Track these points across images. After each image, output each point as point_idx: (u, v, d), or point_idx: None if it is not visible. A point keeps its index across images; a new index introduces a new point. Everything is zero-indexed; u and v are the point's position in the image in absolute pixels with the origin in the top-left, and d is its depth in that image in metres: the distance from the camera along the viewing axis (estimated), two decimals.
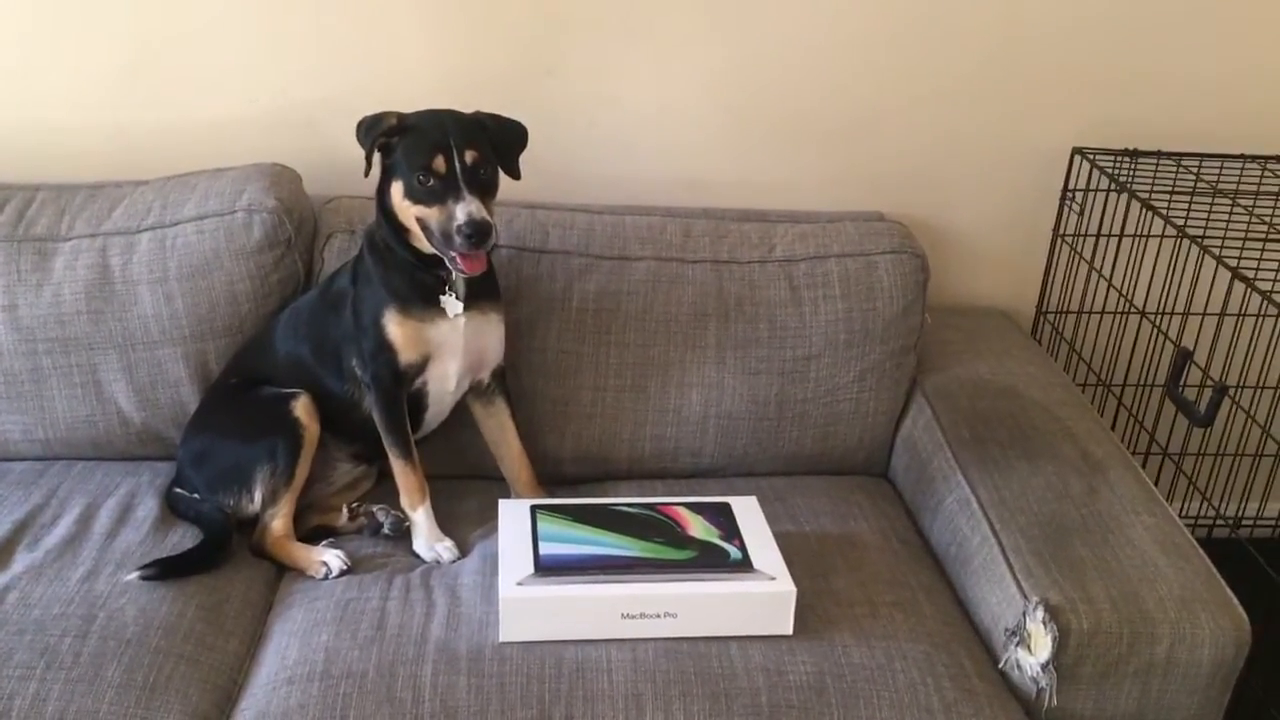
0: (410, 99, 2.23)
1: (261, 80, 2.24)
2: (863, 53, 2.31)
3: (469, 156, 1.74)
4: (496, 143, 1.81)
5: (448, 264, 1.80)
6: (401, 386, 1.87)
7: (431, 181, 1.74)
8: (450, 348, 1.88)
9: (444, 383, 1.91)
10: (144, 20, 2.18)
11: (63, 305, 2.01)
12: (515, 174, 1.85)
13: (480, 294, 1.89)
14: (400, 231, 1.82)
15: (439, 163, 1.74)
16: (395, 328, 1.84)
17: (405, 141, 1.77)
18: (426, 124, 1.78)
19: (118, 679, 1.59)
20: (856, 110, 2.35)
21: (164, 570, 1.76)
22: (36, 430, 2.06)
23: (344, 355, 1.91)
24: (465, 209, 1.72)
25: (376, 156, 1.80)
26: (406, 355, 1.85)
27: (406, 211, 1.79)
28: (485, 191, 1.77)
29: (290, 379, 1.94)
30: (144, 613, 1.69)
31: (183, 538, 1.87)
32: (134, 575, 1.75)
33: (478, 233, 1.72)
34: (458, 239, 1.73)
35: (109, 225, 2.06)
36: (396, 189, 1.79)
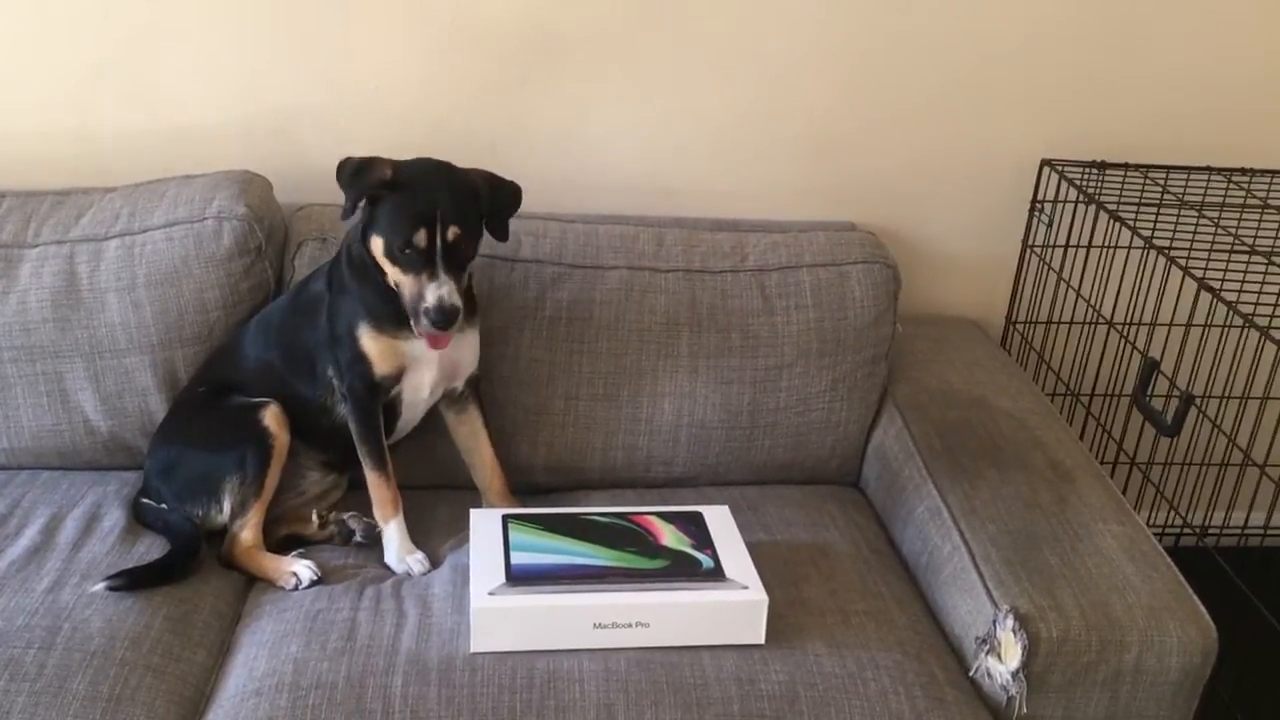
0: (380, 107, 2.25)
1: (232, 86, 2.22)
2: (834, 65, 2.32)
3: (451, 233, 1.71)
4: (488, 208, 1.78)
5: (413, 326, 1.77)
6: (376, 398, 1.86)
7: (410, 251, 1.72)
8: (425, 360, 1.87)
9: (418, 392, 1.90)
10: (112, 25, 2.16)
11: (29, 313, 1.99)
12: (503, 237, 1.83)
13: None
14: (380, 269, 1.80)
15: (420, 237, 1.71)
16: (370, 342, 1.83)
17: (392, 201, 1.73)
18: (418, 187, 1.73)
19: (83, 691, 1.57)
20: (828, 122, 2.36)
21: (131, 581, 1.74)
22: (1, 440, 2.04)
23: (318, 361, 1.90)
24: (436, 292, 1.71)
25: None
26: (381, 368, 1.85)
27: (384, 266, 1.78)
28: (462, 266, 1.75)
29: (260, 386, 1.92)
30: (110, 624, 1.67)
31: (149, 548, 1.85)
32: (101, 586, 1.73)
33: (444, 318, 1.71)
34: (423, 320, 1.72)
35: (76, 232, 2.04)
36: (377, 243, 1.76)
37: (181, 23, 2.17)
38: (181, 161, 2.18)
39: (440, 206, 1.71)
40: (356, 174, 1.76)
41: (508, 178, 1.85)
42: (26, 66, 2.18)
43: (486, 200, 1.78)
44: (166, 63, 2.20)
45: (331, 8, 2.18)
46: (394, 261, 1.75)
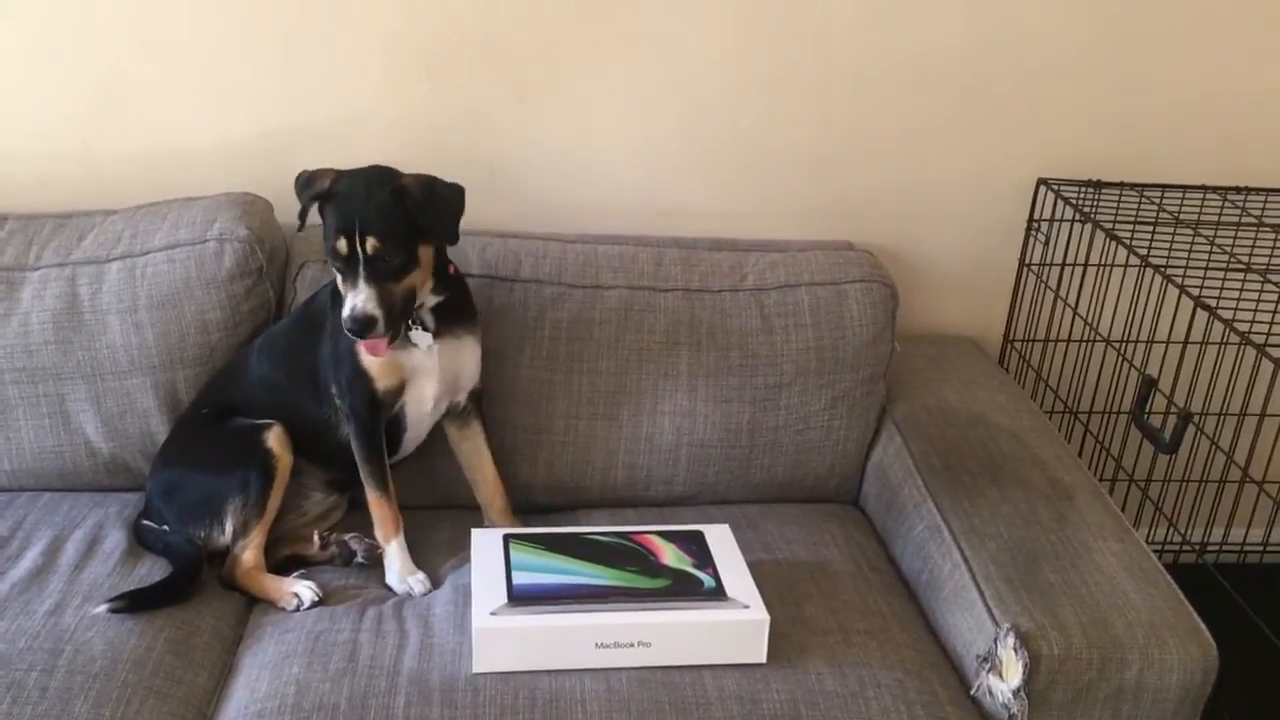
0: (379, 129, 2.26)
1: (233, 109, 2.24)
2: (832, 85, 2.33)
3: (370, 244, 1.70)
4: (420, 214, 1.75)
5: None
6: (379, 415, 1.87)
7: (337, 260, 1.74)
8: (425, 372, 1.88)
9: (421, 405, 1.91)
10: (114, 49, 2.18)
11: (30, 335, 2.00)
12: (449, 240, 1.81)
13: (452, 319, 1.89)
14: None
15: (341, 246, 1.71)
16: (369, 355, 1.84)
17: (326, 209, 1.75)
18: (343, 195, 1.74)
19: (85, 713, 1.57)
20: (826, 142, 2.38)
21: (133, 603, 1.74)
22: (2, 461, 2.04)
23: (322, 378, 1.90)
24: (353, 300, 1.71)
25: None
26: (383, 382, 1.85)
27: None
28: (391, 275, 1.73)
29: (264, 405, 1.93)
30: (112, 646, 1.67)
31: (151, 570, 1.85)
32: (103, 608, 1.73)
33: (356, 326, 1.71)
34: (343, 325, 1.72)
35: (78, 254, 2.04)
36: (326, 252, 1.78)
37: (182, 46, 2.19)
38: (183, 184, 2.19)
39: (359, 215, 1.71)
40: (304, 186, 1.79)
41: (450, 180, 1.81)
42: (29, 90, 2.19)
43: (418, 204, 1.74)
44: (168, 86, 2.21)
45: (332, 30, 2.20)
46: (334, 268, 1.77)
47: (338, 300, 1.86)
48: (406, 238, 1.74)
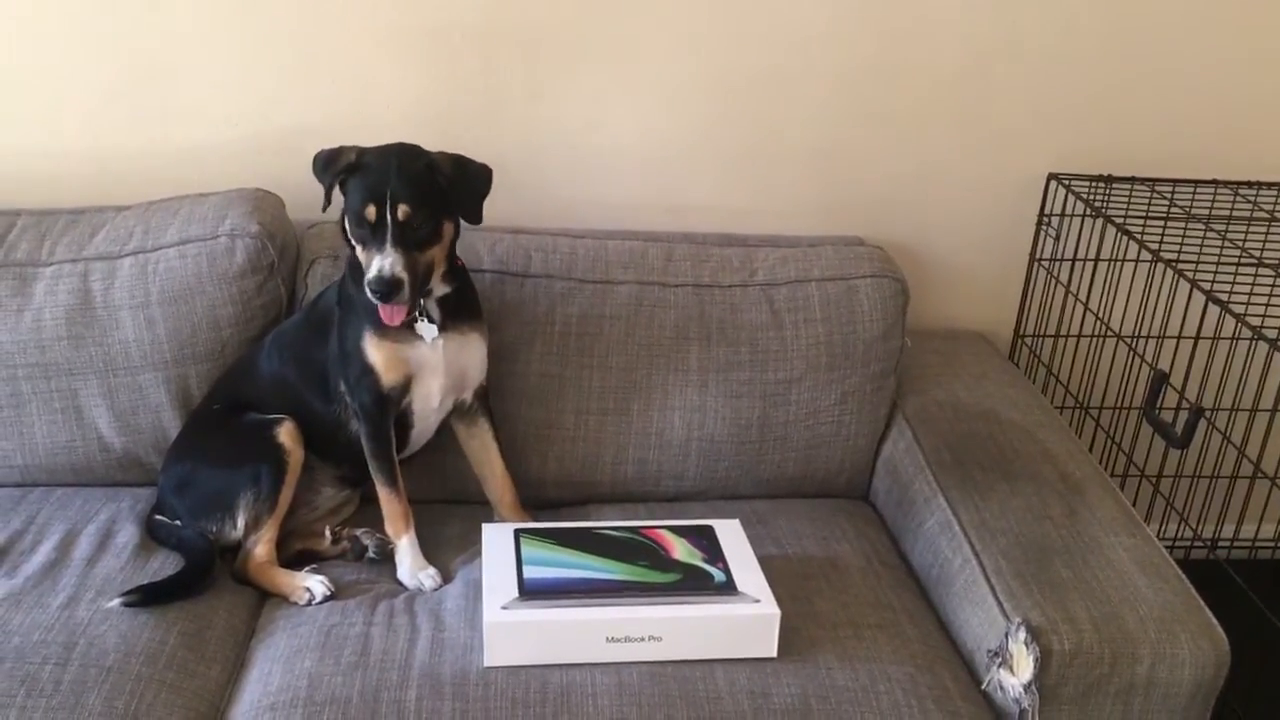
0: (390, 123, 2.25)
1: (244, 105, 2.24)
2: (843, 79, 2.33)
3: (401, 211, 1.73)
4: (450, 189, 1.78)
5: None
6: (386, 411, 1.87)
7: (363, 228, 1.75)
8: (430, 368, 1.88)
9: (428, 401, 1.91)
10: (125, 45, 2.18)
11: (43, 330, 2.00)
12: (474, 219, 1.84)
13: (458, 315, 1.90)
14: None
15: (370, 212, 1.73)
16: (374, 351, 1.84)
17: (353, 181, 1.77)
18: (373, 166, 1.76)
19: (99, 707, 1.58)
20: (836, 136, 2.38)
21: (146, 597, 1.75)
22: (15, 456, 2.05)
23: (331, 376, 1.91)
24: (379, 263, 1.72)
25: (336, 191, 1.80)
26: (389, 378, 1.85)
27: (354, 245, 1.81)
28: (417, 245, 1.75)
29: (275, 402, 1.93)
30: (125, 639, 1.68)
31: (163, 564, 1.86)
32: (116, 602, 1.74)
33: (384, 289, 1.72)
34: (367, 291, 1.74)
35: (90, 250, 2.05)
36: (347, 223, 1.80)
37: (194, 42, 2.19)
38: (194, 180, 2.20)
39: (391, 183, 1.73)
40: (327, 164, 1.81)
41: (479, 160, 1.84)
42: (42, 87, 2.20)
43: (448, 178, 1.78)
44: (179, 82, 2.22)
45: (343, 27, 2.21)
46: (356, 238, 1.78)
47: (345, 298, 1.87)
48: (435, 209, 1.77)
